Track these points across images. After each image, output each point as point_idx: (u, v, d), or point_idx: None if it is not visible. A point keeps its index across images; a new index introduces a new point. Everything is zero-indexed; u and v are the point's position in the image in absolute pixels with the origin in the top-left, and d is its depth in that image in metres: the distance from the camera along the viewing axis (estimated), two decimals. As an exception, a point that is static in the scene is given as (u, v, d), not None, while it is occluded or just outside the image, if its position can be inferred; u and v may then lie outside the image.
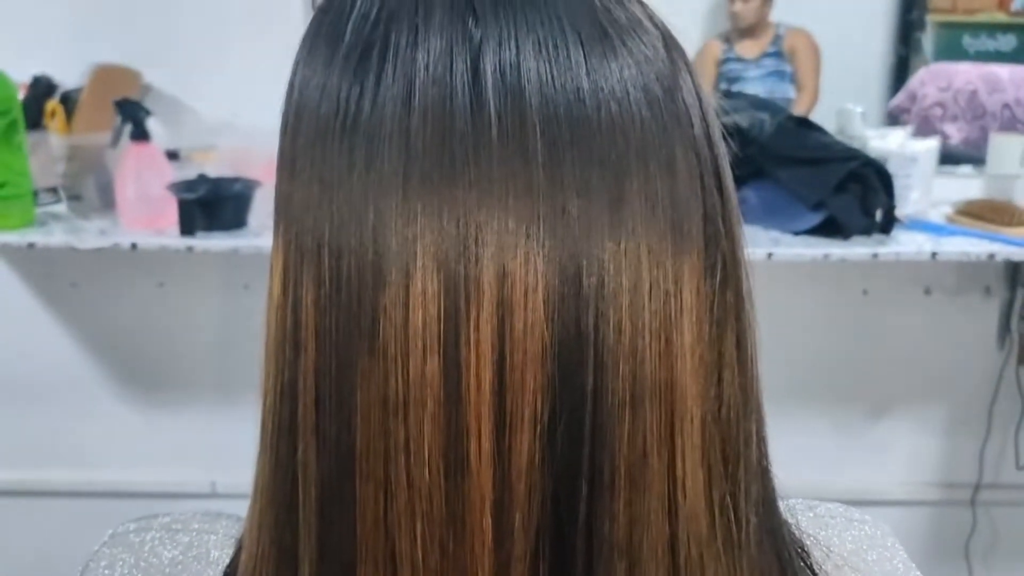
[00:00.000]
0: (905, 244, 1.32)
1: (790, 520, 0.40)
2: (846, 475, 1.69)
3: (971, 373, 1.65)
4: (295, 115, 0.35)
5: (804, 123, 1.37)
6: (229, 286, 1.62)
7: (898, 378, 1.66)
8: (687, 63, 0.36)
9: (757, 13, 2.23)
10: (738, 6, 2.22)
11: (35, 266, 1.62)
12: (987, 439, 1.66)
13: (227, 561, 0.40)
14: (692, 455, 0.34)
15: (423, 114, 0.32)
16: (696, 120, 0.35)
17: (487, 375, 0.31)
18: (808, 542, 0.41)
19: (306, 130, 0.34)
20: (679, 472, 0.33)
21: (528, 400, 0.31)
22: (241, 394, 1.62)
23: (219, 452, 1.57)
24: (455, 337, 0.31)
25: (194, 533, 0.45)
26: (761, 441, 0.37)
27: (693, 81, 0.36)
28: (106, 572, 0.43)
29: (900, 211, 1.37)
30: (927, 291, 1.61)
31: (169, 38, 1.52)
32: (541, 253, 0.32)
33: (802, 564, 0.40)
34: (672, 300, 0.33)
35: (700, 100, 0.36)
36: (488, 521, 0.32)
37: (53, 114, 1.42)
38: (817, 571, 0.40)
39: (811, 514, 0.48)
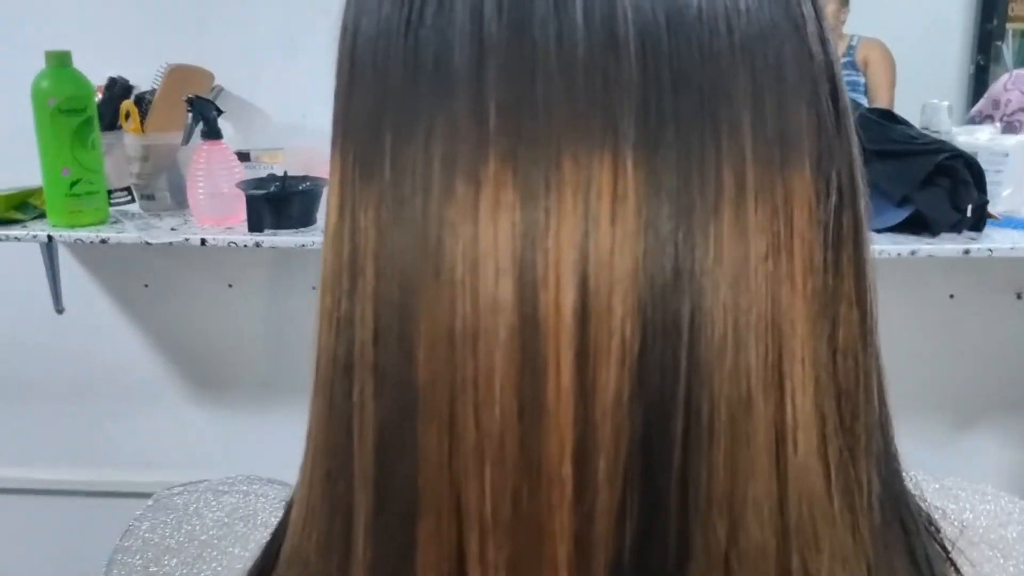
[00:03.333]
0: (999, 241, 1.25)
1: (914, 491, 0.36)
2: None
3: (1067, 383, 1.56)
4: (355, 16, 0.32)
5: (888, 115, 1.31)
6: (297, 288, 1.62)
7: (986, 387, 1.58)
8: None
9: (833, 19, 2.18)
10: (812, 10, 2.17)
11: (108, 267, 1.65)
12: (1085, 454, 1.56)
13: (276, 523, 0.37)
14: (803, 401, 0.30)
15: None
16: (809, 15, 0.31)
17: (568, 298, 0.28)
18: (936, 515, 0.37)
19: (366, 29, 0.31)
20: (788, 420, 0.29)
21: (616, 327, 0.28)
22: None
23: (291, 456, 1.56)
24: (532, 254, 0.28)
25: (241, 495, 0.42)
26: (882, 391, 0.33)
27: None
28: (147, 535, 0.41)
29: (992, 208, 1.30)
30: (1019, 295, 1.53)
31: (240, 40, 1.54)
32: (631, 156, 0.28)
33: (931, 539, 0.35)
34: (780, 218, 0.29)
35: None
36: (568, 469, 0.28)
37: (128, 115, 1.44)
38: (949, 548, 0.36)
39: (936, 485, 0.43)
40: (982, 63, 2.24)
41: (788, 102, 0.30)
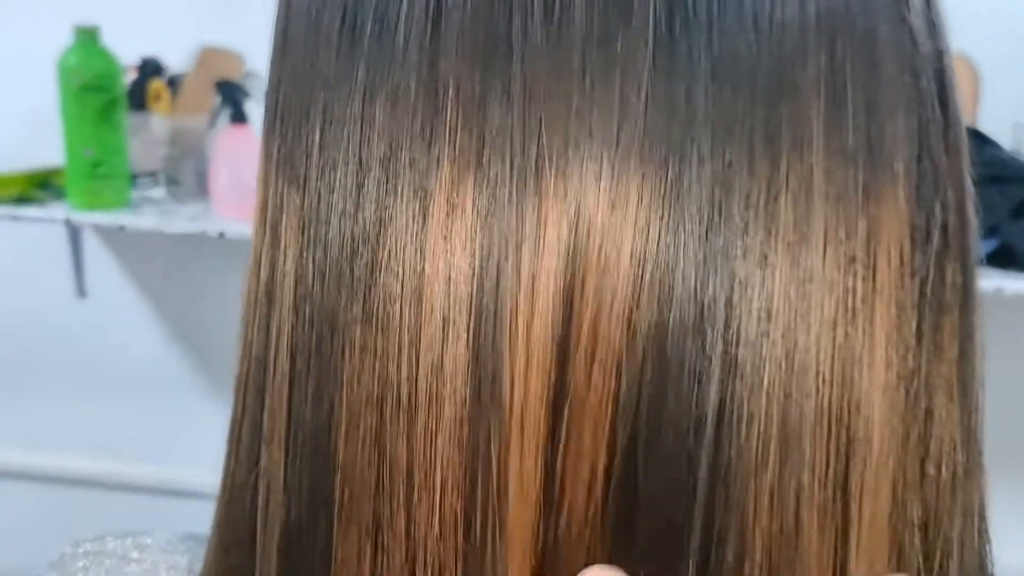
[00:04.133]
0: (1097, 282, 1.12)
1: None
2: (1012, 552, 1.46)
3: None
4: None
5: (977, 136, 1.19)
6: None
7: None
8: None
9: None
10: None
11: (132, 252, 1.60)
12: None
13: None
14: (875, 536, 0.22)
15: None
16: None
17: (540, 369, 0.21)
18: None
19: None
20: (852, 561, 0.21)
21: (605, 416, 0.21)
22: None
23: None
24: (494, 300, 0.21)
25: (149, 566, 0.36)
26: (983, 517, 0.25)
27: None
28: None
29: (1090, 244, 1.17)
30: (1114, 343, 1.38)
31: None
32: (641, 169, 0.21)
33: None
34: (858, 268, 0.21)
35: None
36: None
37: (158, 97, 1.38)
38: None
39: None
40: (1076, 84, 2.09)
41: (880, 103, 0.22)
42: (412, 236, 0.22)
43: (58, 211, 1.30)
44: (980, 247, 0.25)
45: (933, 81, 0.23)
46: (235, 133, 1.28)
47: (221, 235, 1.23)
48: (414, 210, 0.22)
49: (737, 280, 0.20)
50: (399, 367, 0.22)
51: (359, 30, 0.23)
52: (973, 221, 0.24)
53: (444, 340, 0.21)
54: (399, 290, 0.22)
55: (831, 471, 0.21)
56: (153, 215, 1.29)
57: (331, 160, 0.23)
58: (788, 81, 0.21)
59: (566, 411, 0.20)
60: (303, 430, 0.23)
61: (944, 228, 0.23)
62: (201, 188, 1.40)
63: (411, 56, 0.22)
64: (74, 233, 1.52)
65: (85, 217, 1.28)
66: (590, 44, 0.21)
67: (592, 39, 0.21)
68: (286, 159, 0.25)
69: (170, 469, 1.64)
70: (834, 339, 0.21)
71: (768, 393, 0.20)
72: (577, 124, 0.21)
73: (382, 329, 0.22)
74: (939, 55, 0.23)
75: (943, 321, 0.22)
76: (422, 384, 0.21)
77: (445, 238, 0.21)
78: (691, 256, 0.20)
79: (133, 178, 1.37)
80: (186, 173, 1.40)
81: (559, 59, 0.21)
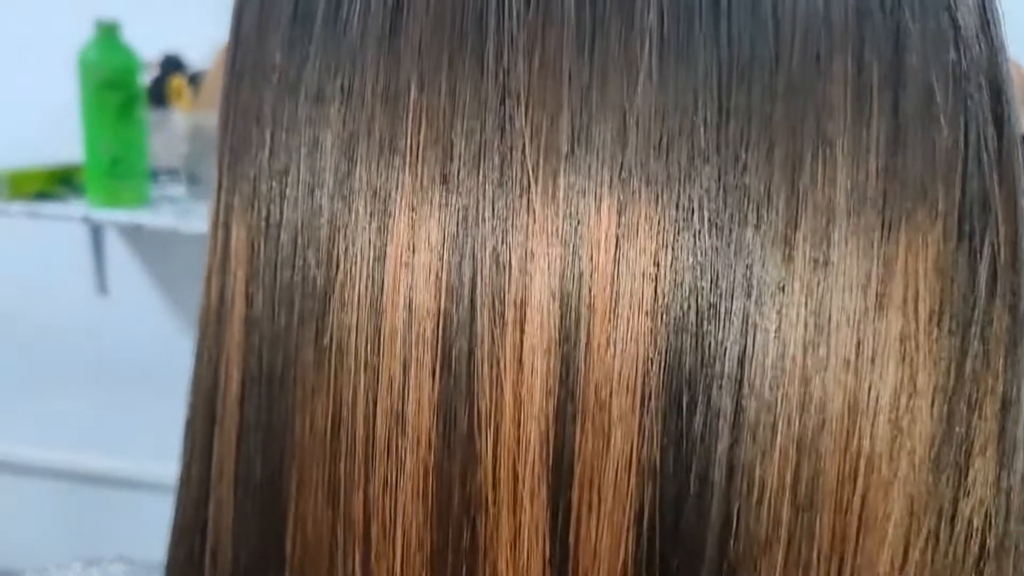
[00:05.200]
0: None
1: None
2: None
3: None
4: None
5: None
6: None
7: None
8: None
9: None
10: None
11: (153, 250, 1.59)
12: None
13: None
14: None
15: None
16: None
17: (534, 425, 0.18)
18: None
19: None
20: None
21: (627, 484, 0.18)
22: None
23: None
24: (467, 344, 0.18)
25: None
26: None
27: None
28: None
29: None
30: None
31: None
32: (650, 191, 0.18)
33: None
34: (885, 316, 0.19)
35: None
36: None
37: (179, 93, 1.37)
38: None
39: None
40: None
41: (912, 119, 0.19)
42: (369, 262, 0.19)
43: (77, 208, 1.29)
44: None
45: (986, 92, 0.20)
46: (254, 131, 1.26)
47: (237, 235, 1.22)
48: (371, 232, 0.19)
49: (753, 317, 0.18)
50: (354, 411, 0.19)
51: (310, 21, 0.20)
52: None
53: (405, 380, 0.18)
54: (354, 323, 0.19)
55: (843, 549, 0.18)
56: (171, 214, 1.28)
57: (281, 169, 0.20)
58: (808, 92, 0.18)
59: (575, 478, 0.18)
60: (253, 478, 0.21)
61: (993, 264, 0.20)
62: (221, 186, 1.39)
63: (368, 52, 0.19)
64: (96, 230, 1.52)
65: (103, 215, 1.27)
66: (582, 39, 0.18)
67: (585, 33, 0.18)
68: (233, 166, 0.22)
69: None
70: (854, 399, 0.18)
71: (780, 456, 0.18)
72: (568, 132, 0.18)
73: (335, 366, 0.19)
74: (993, 59, 0.20)
75: (984, 372, 0.20)
76: (380, 434, 0.19)
77: (407, 265, 0.18)
78: (705, 298, 0.18)
79: (153, 175, 1.35)
80: (206, 170, 1.39)
81: (544, 57, 0.18)
